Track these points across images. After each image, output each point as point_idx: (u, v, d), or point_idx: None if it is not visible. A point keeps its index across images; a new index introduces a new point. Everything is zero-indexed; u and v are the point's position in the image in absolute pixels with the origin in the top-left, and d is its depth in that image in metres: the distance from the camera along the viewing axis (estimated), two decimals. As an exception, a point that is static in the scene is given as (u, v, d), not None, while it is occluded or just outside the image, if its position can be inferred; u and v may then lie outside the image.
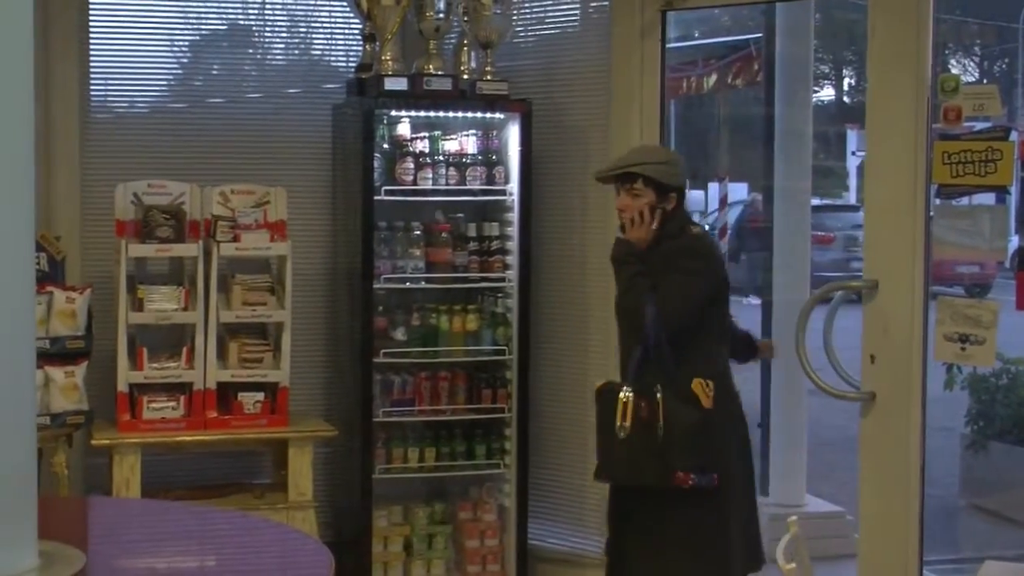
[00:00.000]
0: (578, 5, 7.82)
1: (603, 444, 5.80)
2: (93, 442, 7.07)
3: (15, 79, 2.90)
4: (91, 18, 7.86)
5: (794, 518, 4.16)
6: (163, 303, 7.27)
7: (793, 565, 3.84)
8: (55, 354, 6.60)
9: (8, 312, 2.91)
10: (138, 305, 7.24)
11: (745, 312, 12.13)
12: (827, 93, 33.50)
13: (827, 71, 31.88)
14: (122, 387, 7.21)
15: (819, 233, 10.48)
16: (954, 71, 18.10)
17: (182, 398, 7.28)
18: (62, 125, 7.39)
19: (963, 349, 5.84)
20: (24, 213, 2.93)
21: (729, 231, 15.04)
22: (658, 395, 5.49)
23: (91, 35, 7.88)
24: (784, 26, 8.60)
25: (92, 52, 7.90)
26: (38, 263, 6.04)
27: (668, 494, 5.60)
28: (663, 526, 5.72)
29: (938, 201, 6.00)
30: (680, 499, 5.62)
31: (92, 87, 7.94)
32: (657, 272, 5.65)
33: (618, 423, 5.54)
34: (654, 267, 5.67)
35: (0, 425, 2.90)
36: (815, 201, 8.57)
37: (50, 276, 6.70)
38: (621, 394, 5.56)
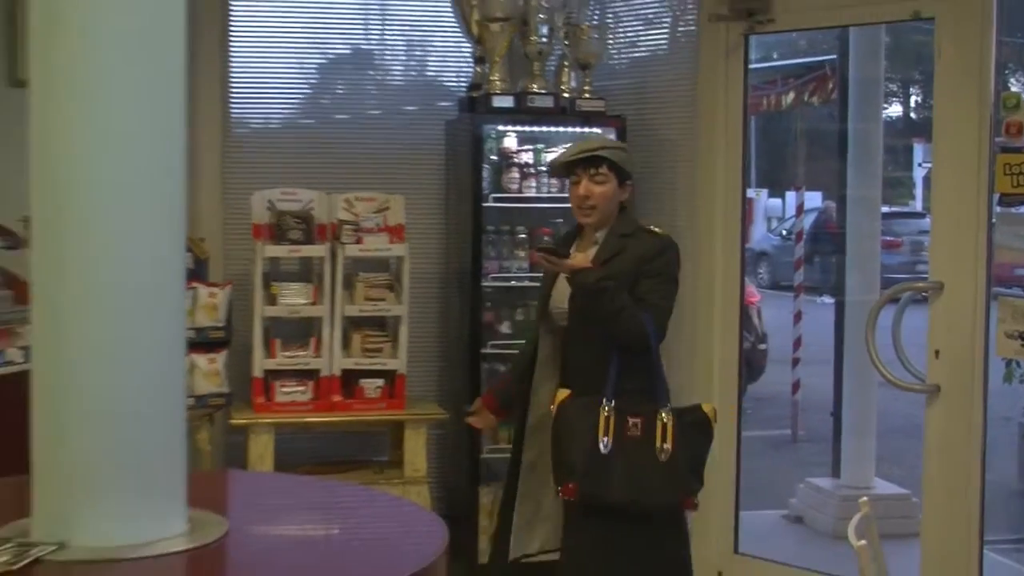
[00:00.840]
0: (667, 30, 7.84)
1: (581, 459, 5.04)
2: (232, 422, 7.21)
3: (171, 101, 2.98)
4: (231, 45, 8.00)
5: (865, 499, 4.14)
6: (294, 298, 7.38)
7: (864, 542, 3.84)
8: (199, 343, 6.72)
9: (164, 306, 2.97)
10: (272, 300, 7.37)
11: (819, 311, 12.12)
12: (896, 109, 33.06)
13: (896, 89, 31.45)
14: (257, 373, 7.33)
15: (888, 238, 10.44)
16: (1015, 89, 17.79)
17: (310, 383, 7.39)
18: (206, 140, 7.52)
19: (1023, 345, 5.82)
20: (177, 218, 3.00)
21: (805, 236, 14.98)
22: (664, 415, 5.01)
23: (231, 60, 8.01)
24: (857, 48, 8.58)
25: (232, 75, 8.03)
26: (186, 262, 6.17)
27: (661, 516, 5.20)
28: (653, 550, 5.22)
29: (999, 209, 5.95)
30: (673, 520, 5.29)
31: (232, 106, 8.05)
32: (630, 275, 5.11)
33: (601, 437, 4.98)
34: (625, 272, 5.12)
35: (155, 406, 2.96)
36: (884, 208, 8.51)
37: (195, 274, 6.83)
38: (602, 409, 5.00)
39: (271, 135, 8.29)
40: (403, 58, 8.60)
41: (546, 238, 7.27)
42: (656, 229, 5.41)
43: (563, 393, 5.13)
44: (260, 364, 7.34)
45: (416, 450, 7.40)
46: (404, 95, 8.46)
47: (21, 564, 2.70)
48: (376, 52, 8.53)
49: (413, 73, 8.61)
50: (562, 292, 5.20)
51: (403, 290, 7.46)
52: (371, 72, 8.51)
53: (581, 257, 5.10)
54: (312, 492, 4.08)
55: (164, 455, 2.99)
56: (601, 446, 4.95)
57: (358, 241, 7.42)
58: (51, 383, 2.88)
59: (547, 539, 5.48)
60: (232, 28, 8.04)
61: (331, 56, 8.49)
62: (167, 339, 2.99)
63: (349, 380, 7.45)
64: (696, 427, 5.10)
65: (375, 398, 7.47)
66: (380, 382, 7.46)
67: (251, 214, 7.50)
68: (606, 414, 4.94)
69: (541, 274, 5.78)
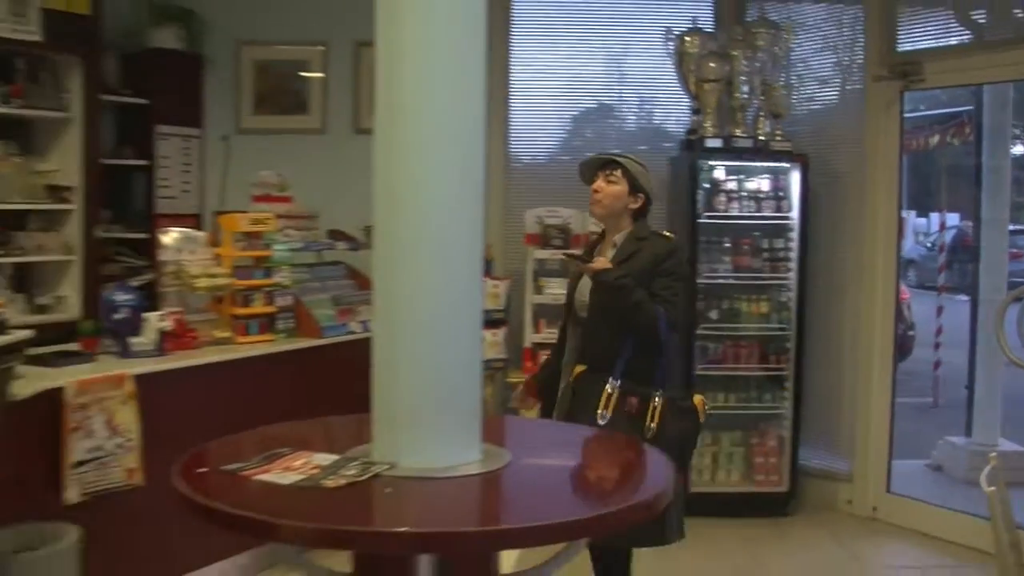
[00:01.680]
0: (839, 88, 7.77)
1: (579, 422, 4.66)
2: (508, 380, 7.33)
3: (475, 142, 3.04)
4: (510, 101, 8.20)
5: (994, 454, 4.06)
6: (555, 289, 7.50)
7: (993, 488, 3.79)
8: (486, 321, 6.78)
9: (468, 292, 3.05)
10: (539, 290, 7.54)
11: (957, 306, 11.90)
12: (1020, 148, 32.11)
13: (1020, 132, 30.49)
14: (527, 344, 7.48)
15: (1013, 250, 10.18)
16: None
17: (567, 354, 7.52)
18: (494, 171, 7.69)
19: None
20: (478, 229, 3.06)
21: (946, 247, 14.90)
22: (656, 399, 4.57)
23: (510, 112, 8.21)
24: (989, 100, 8.36)
25: (511, 123, 8.25)
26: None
27: None
28: None
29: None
30: None
31: (511, 146, 8.27)
32: (646, 273, 4.67)
33: (600, 410, 4.58)
34: (642, 270, 4.68)
35: (461, 366, 3.05)
36: (1011, 227, 8.29)
37: (484, 270, 6.95)
38: (608, 386, 4.60)
39: (538, 168, 8.43)
40: (636, 110, 8.65)
41: (746, 247, 7.32)
42: (667, 233, 4.99)
43: (580, 368, 4.82)
44: (529, 338, 7.50)
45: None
46: (637, 138, 8.50)
47: (365, 477, 2.80)
48: (616, 105, 8.61)
49: (644, 121, 8.65)
50: (584, 290, 4.86)
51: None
52: (612, 120, 8.60)
53: (602, 260, 4.79)
54: (565, 433, 4.14)
55: (466, 402, 3.07)
56: (599, 417, 4.56)
57: (603, 247, 7.54)
58: (387, 347, 2.99)
59: None
60: (511, 89, 8.26)
61: (582, 108, 8.60)
62: (470, 317, 3.08)
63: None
64: (683, 413, 4.67)
65: (614, 366, 7.58)
66: (619, 354, 7.56)
67: (524, 226, 7.69)
68: (610, 391, 4.59)
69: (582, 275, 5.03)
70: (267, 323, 6.21)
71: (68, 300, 7.68)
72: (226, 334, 6.04)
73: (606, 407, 4.57)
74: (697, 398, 4.77)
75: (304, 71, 8.59)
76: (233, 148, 8.55)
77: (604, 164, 4.90)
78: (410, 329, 2.96)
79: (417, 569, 2.74)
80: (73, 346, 5.58)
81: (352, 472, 2.83)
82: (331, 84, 8.50)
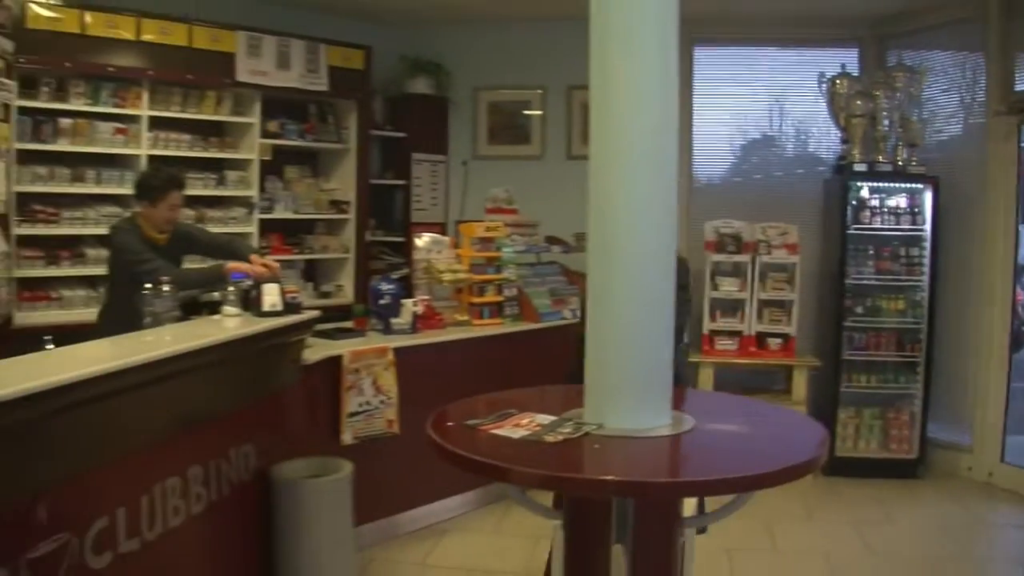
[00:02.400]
0: (964, 122, 7.42)
1: None
2: (689, 360, 7.22)
3: (670, 165, 3.00)
4: (693, 131, 8.08)
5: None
6: (729, 287, 7.40)
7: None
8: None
9: (663, 287, 3.00)
10: (715, 287, 7.40)
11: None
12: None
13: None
14: (705, 331, 7.37)
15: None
16: None
17: (737, 339, 7.39)
18: (680, 188, 7.53)
19: None
20: (672, 237, 3.02)
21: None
22: None
23: (694, 139, 8.09)
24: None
25: (694, 149, 8.12)
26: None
27: None
28: None
29: None
30: None
31: (694, 168, 8.17)
32: None
33: None
34: None
35: (656, 346, 3.01)
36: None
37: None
38: None
39: (715, 187, 8.30)
40: (794, 140, 8.43)
41: (886, 253, 6.97)
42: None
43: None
44: (707, 326, 7.39)
45: (800, 383, 7.28)
46: (795, 163, 8.29)
47: (578, 435, 2.79)
48: (777, 136, 8.40)
49: (800, 149, 8.42)
50: None
51: (796, 284, 7.38)
52: (774, 148, 8.39)
53: None
54: (738, 404, 4.05)
55: (660, 376, 3.03)
56: None
57: (768, 253, 7.38)
58: (599, 330, 2.97)
59: None
60: (695, 121, 8.13)
61: (750, 138, 8.43)
62: (664, 306, 3.04)
63: (761, 338, 7.40)
64: None
65: (776, 350, 7.40)
66: (780, 340, 7.40)
67: (704, 235, 7.56)
68: None
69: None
70: (497, 309, 6.31)
71: (344, 288, 7.92)
72: (464, 318, 6.14)
73: None
74: None
75: (527, 109, 8.67)
76: (471, 171, 8.69)
77: None
78: (617, 316, 2.95)
79: (619, 510, 2.75)
80: (348, 324, 5.72)
81: (567, 430, 2.83)
82: (548, 120, 8.57)
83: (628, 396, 2.95)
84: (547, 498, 3.11)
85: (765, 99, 8.31)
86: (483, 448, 2.70)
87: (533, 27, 8.29)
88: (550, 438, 2.76)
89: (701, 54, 8.18)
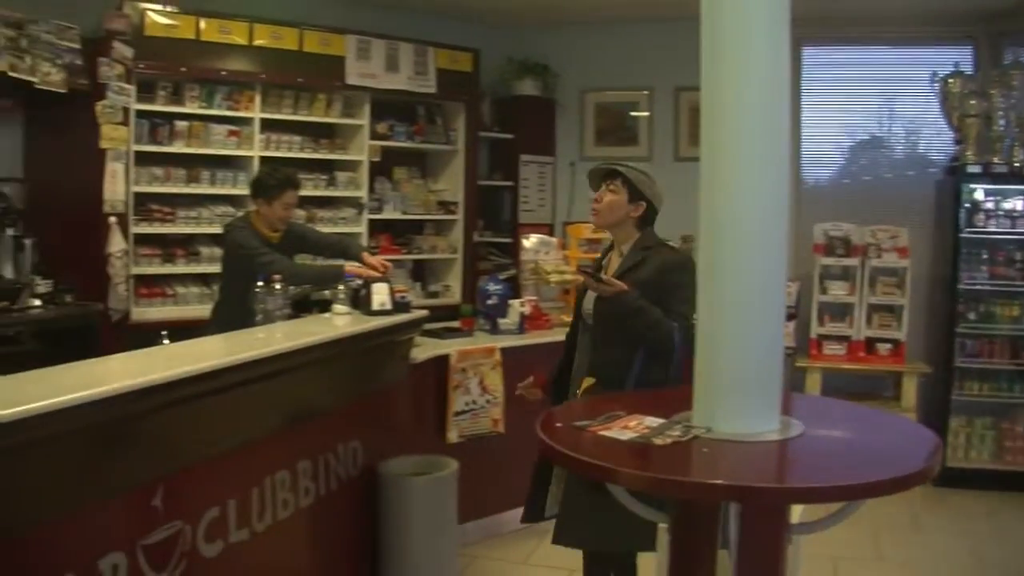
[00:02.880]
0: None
1: None
2: (796, 364, 7.14)
3: (781, 168, 2.95)
4: (803, 135, 7.95)
5: None
6: (837, 291, 7.31)
7: None
8: (781, 316, 6.70)
9: (774, 290, 2.95)
10: (824, 291, 7.31)
11: None
12: None
13: None
14: (813, 335, 7.25)
15: None
16: None
17: (846, 344, 7.26)
18: (789, 190, 7.45)
19: None
20: (783, 239, 2.96)
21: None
22: None
23: (802, 144, 7.95)
24: None
25: (802, 154, 7.99)
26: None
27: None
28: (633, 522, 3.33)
29: None
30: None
31: (802, 172, 8.06)
32: (651, 284, 3.78)
33: None
34: (647, 281, 3.79)
35: (767, 351, 2.95)
36: None
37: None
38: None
39: (823, 189, 8.18)
40: (904, 141, 8.25)
41: (1000, 257, 6.68)
42: (674, 245, 4.13)
43: (588, 381, 3.84)
44: (815, 330, 7.26)
45: (909, 390, 7.13)
46: (907, 165, 8.13)
47: (686, 438, 2.75)
48: (887, 137, 8.24)
49: (911, 150, 8.23)
50: (590, 299, 3.94)
51: (906, 288, 7.20)
52: (883, 150, 8.23)
53: (619, 283, 3.77)
54: (847, 410, 3.95)
55: (770, 381, 2.97)
56: None
57: (878, 256, 7.23)
58: (709, 333, 2.93)
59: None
60: (803, 122, 8.00)
61: (857, 139, 8.29)
62: (776, 310, 2.98)
63: (870, 343, 7.25)
64: None
65: (886, 355, 7.24)
66: (889, 346, 7.23)
67: (812, 238, 7.43)
68: None
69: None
70: (602, 311, 6.24)
71: (452, 288, 7.97)
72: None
73: None
74: None
75: (634, 111, 8.64)
76: (578, 172, 8.64)
77: (606, 174, 3.99)
78: (728, 319, 2.90)
79: (727, 514, 2.70)
80: (456, 324, 5.74)
81: (676, 433, 2.79)
82: (656, 121, 8.53)
83: (737, 400, 2.90)
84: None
85: (874, 100, 8.16)
86: (591, 449, 2.68)
87: (640, 28, 8.25)
88: (658, 441, 2.72)
89: (809, 54, 8.07)
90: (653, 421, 2.91)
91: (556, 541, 3.87)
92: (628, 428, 2.83)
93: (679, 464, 2.69)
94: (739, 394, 2.91)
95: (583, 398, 3.76)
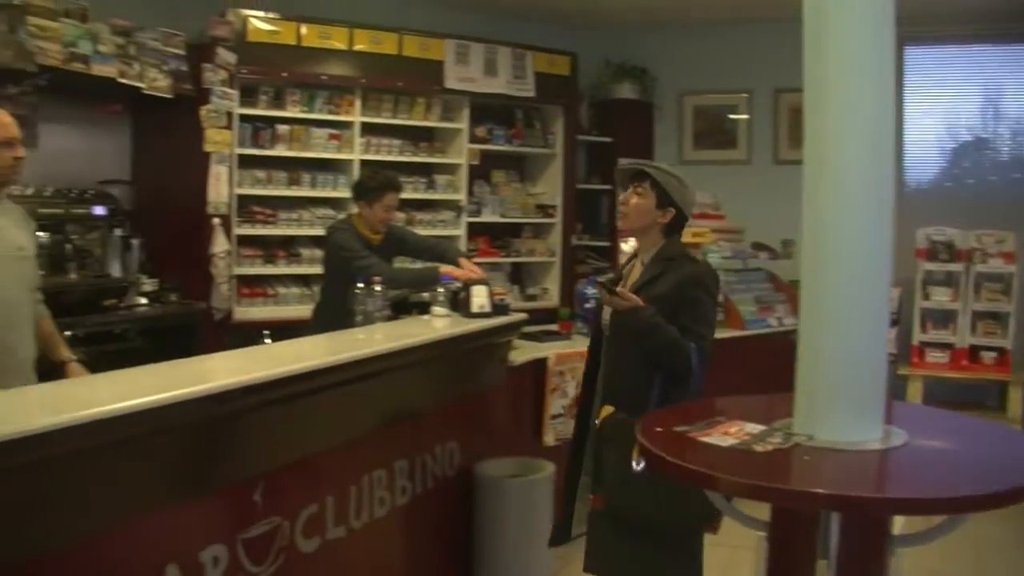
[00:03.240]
0: None
1: (610, 473, 3.46)
2: (898, 372, 7.00)
3: (885, 170, 2.89)
4: (905, 138, 7.77)
5: None
6: (940, 297, 7.20)
7: None
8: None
9: (877, 295, 2.89)
10: (926, 297, 7.19)
11: None
12: None
13: None
14: (915, 342, 7.10)
15: None
16: None
17: (948, 352, 7.11)
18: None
19: None
20: (888, 242, 2.90)
21: None
22: None
23: (904, 147, 7.78)
24: None
25: (905, 156, 7.82)
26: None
27: (676, 535, 3.51)
28: (662, 565, 3.52)
29: None
30: (688, 542, 3.59)
31: (905, 175, 7.94)
32: (668, 299, 3.47)
33: (636, 455, 3.26)
34: (664, 296, 3.49)
35: (871, 358, 2.89)
36: None
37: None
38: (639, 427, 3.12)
39: (926, 192, 8.06)
40: (1010, 142, 8.04)
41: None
42: (697, 258, 3.82)
43: (607, 410, 3.56)
44: (917, 337, 7.10)
45: (1016, 400, 6.96)
46: (1012, 167, 7.98)
47: (787, 445, 2.71)
48: (991, 138, 8.05)
49: (1017, 151, 8.01)
50: (608, 311, 3.67)
51: (1012, 295, 7.03)
52: (988, 151, 8.06)
53: (634, 296, 3.49)
54: (951, 420, 3.85)
55: (873, 388, 2.91)
56: (634, 463, 3.30)
57: (984, 261, 7.05)
58: (811, 339, 2.88)
59: None
60: (906, 123, 7.84)
61: (960, 141, 8.10)
62: (879, 316, 2.92)
63: (974, 351, 7.07)
64: None
65: (990, 364, 7.08)
66: (994, 354, 7.07)
67: (915, 242, 7.26)
68: None
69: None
70: (702, 315, 6.21)
71: (550, 292, 7.98)
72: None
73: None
74: None
75: (732, 114, 8.58)
76: (676, 176, 8.58)
77: (634, 175, 3.66)
78: (831, 324, 2.84)
79: (827, 524, 2.66)
80: (553, 327, 5.73)
81: (776, 440, 2.74)
82: (755, 124, 8.45)
83: (840, 408, 2.84)
84: (757, 509, 3.01)
85: (979, 99, 7.98)
86: (691, 455, 2.65)
87: (738, 30, 8.17)
88: (759, 448, 2.68)
89: (912, 54, 7.92)
90: (754, 427, 2.87)
91: (587, 569, 3.63)
92: (728, 434, 2.80)
93: (780, 472, 2.65)
94: (841, 402, 2.85)
95: (603, 427, 3.52)
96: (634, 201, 3.61)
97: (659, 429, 2.89)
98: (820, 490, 2.55)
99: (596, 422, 3.59)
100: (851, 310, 2.83)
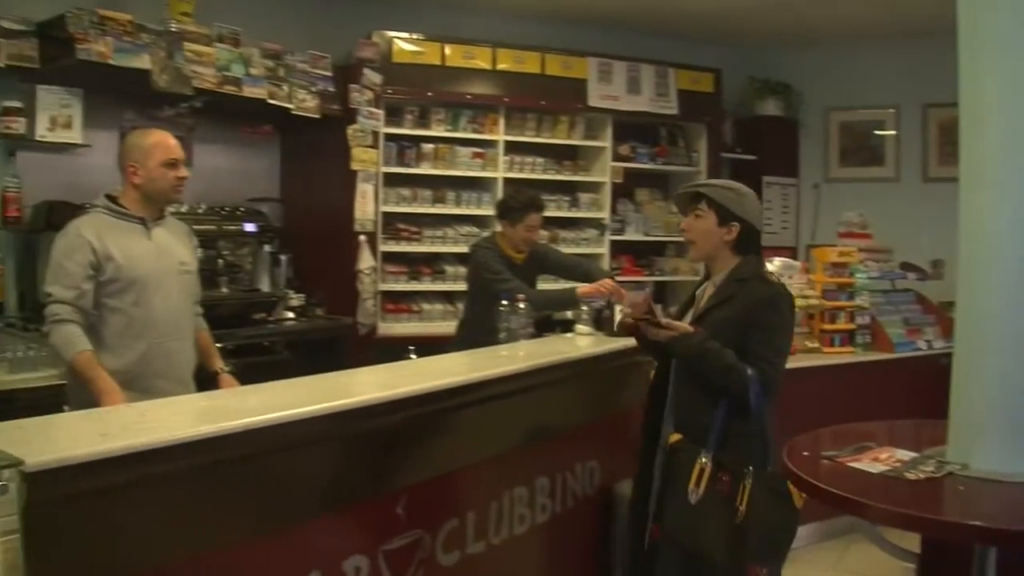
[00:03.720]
0: None
1: (670, 502, 3.37)
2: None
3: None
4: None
5: None
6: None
7: None
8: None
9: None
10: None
11: None
12: None
13: None
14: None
15: None
16: None
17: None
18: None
19: None
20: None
21: None
22: (747, 482, 3.14)
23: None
24: None
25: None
26: None
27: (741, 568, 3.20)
28: None
29: None
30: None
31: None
32: (735, 323, 3.30)
33: (691, 486, 3.24)
34: (731, 319, 3.32)
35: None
36: None
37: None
38: (700, 459, 3.25)
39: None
40: None
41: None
42: (771, 277, 3.52)
43: (674, 436, 3.43)
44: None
45: None
46: None
47: (940, 474, 2.63)
48: None
49: None
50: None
51: None
52: None
53: (681, 324, 3.38)
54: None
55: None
56: (690, 495, 3.25)
57: None
58: (967, 364, 2.79)
59: None
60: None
61: None
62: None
63: None
64: (774, 496, 3.14)
65: None
66: None
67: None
68: (701, 466, 3.23)
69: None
70: (848, 337, 6.06)
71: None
72: (815, 344, 5.96)
73: (697, 484, 3.24)
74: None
75: (879, 130, 8.36)
76: (822, 194, 8.49)
77: (691, 199, 3.52)
78: (989, 349, 2.75)
79: (982, 559, 2.55)
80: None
81: (929, 468, 2.67)
82: (903, 140, 8.21)
83: (997, 436, 2.74)
84: (907, 540, 2.92)
85: None
86: (840, 481, 2.60)
87: (885, 45, 7.97)
88: (911, 475, 2.61)
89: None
90: (905, 454, 2.80)
91: None
92: (878, 460, 2.73)
93: (932, 502, 2.57)
94: (999, 430, 2.76)
95: (670, 454, 3.41)
96: (695, 224, 3.48)
97: (806, 453, 2.84)
98: (977, 522, 2.46)
99: (665, 447, 3.44)
100: (1010, 334, 2.73)
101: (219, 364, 3.94)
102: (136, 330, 3.67)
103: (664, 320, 3.34)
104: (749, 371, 3.17)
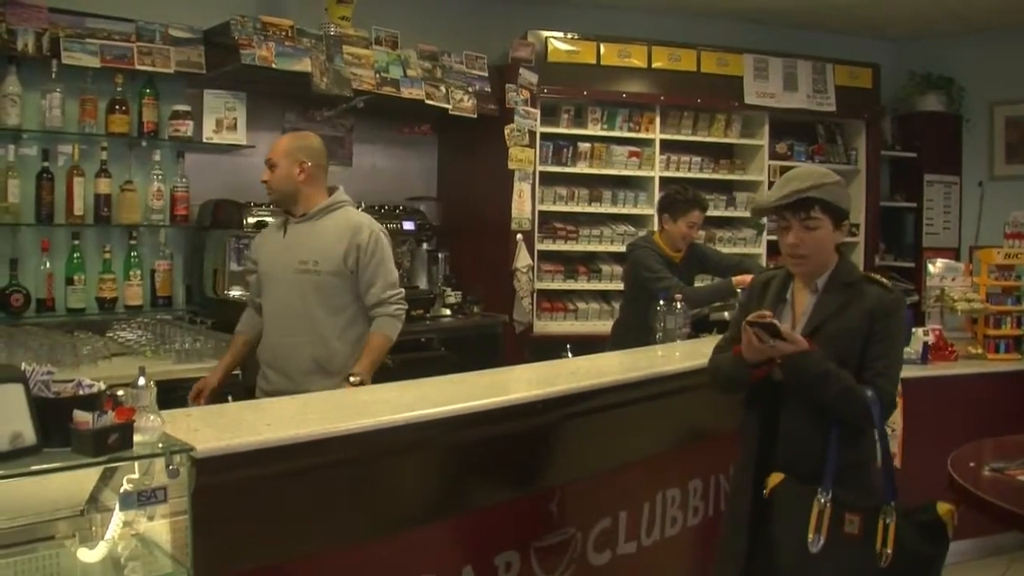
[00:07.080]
0: None
1: (788, 560, 2.79)
2: None
3: None
4: None
5: None
6: None
7: None
8: None
9: None
10: None
11: None
12: None
13: None
14: None
15: None
16: None
17: None
18: None
19: None
20: None
21: None
22: (887, 520, 2.68)
23: None
24: None
25: None
26: None
27: None
28: None
29: None
30: None
31: None
32: (855, 334, 2.84)
33: (811, 535, 2.70)
34: (853, 330, 2.84)
35: None
36: None
37: None
38: (818, 499, 2.73)
39: None
40: None
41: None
42: (882, 279, 2.97)
43: (776, 478, 2.88)
44: None
45: None
46: None
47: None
48: None
49: None
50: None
51: None
52: None
53: (799, 338, 2.82)
54: None
55: None
56: (811, 544, 2.71)
57: None
58: None
59: None
60: None
61: None
62: None
63: None
64: (926, 531, 2.70)
65: None
66: None
67: None
68: (821, 507, 2.72)
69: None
70: (1014, 344, 5.77)
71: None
72: (978, 351, 5.71)
73: (818, 530, 2.72)
74: (944, 507, 2.74)
75: (1049, 125, 7.96)
76: (986, 192, 8.15)
77: (797, 208, 2.94)
78: None
79: None
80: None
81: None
82: (1075, 136, 7.80)
83: None
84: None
85: None
86: (1011, 495, 2.46)
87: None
88: (1087, 489, 2.46)
89: None
90: (1081, 467, 2.64)
91: None
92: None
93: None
94: None
95: (774, 499, 2.88)
96: (808, 237, 2.94)
97: (972, 464, 2.71)
98: None
99: (765, 492, 2.92)
100: None
101: (356, 369, 3.71)
102: (266, 323, 3.90)
103: (785, 330, 2.84)
104: (868, 392, 2.77)
